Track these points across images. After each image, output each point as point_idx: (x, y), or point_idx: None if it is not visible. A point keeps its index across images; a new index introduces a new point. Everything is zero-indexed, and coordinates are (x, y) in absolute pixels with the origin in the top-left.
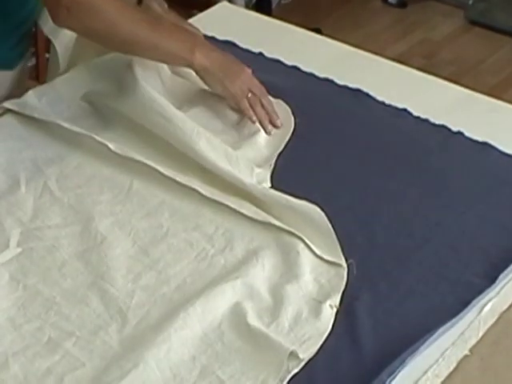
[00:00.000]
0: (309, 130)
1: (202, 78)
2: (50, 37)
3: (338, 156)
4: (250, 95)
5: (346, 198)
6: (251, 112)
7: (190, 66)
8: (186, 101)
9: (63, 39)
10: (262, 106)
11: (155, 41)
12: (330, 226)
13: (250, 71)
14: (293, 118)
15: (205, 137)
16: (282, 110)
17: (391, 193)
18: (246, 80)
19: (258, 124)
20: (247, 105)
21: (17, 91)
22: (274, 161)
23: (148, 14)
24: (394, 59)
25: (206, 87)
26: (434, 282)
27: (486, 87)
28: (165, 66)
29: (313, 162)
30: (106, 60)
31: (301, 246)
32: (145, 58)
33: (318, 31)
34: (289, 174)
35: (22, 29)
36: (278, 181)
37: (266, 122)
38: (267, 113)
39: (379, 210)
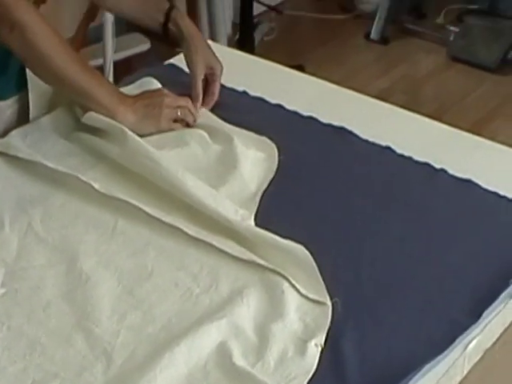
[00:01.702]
0: (293, 167)
1: (131, 130)
2: (28, 77)
3: (323, 194)
4: (179, 113)
5: (331, 236)
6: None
7: (114, 117)
8: (168, 141)
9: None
10: (191, 112)
11: (84, 84)
12: (314, 265)
13: (167, 99)
14: (277, 156)
15: (189, 176)
16: (266, 147)
17: (375, 230)
18: (168, 113)
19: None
20: (180, 127)
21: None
22: (258, 199)
23: (83, 59)
24: (376, 96)
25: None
26: (419, 319)
27: (468, 123)
28: None
29: (297, 199)
30: None
31: (285, 284)
32: (72, 99)
33: (300, 68)
34: (273, 211)
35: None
36: (263, 218)
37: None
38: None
39: (364, 246)
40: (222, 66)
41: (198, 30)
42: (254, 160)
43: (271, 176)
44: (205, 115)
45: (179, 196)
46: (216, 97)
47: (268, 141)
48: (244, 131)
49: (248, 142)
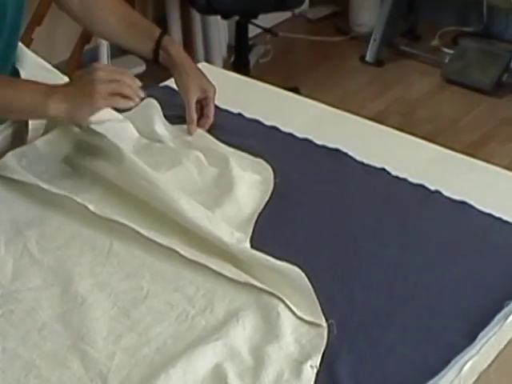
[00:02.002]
0: (288, 190)
1: (71, 121)
2: None
3: (318, 216)
4: (115, 85)
5: (326, 258)
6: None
7: (46, 114)
8: (164, 162)
9: None
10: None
11: (8, 99)
12: (310, 286)
13: (99, 73)
14: (273, 179)
15: (185, 198)
16: (262, 169)
17: (371, 252)
18: (102, 89)
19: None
20: (121, 104)
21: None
22: (254, 222)
23: (1, 76)
24: (371, 118)
25: (181, 147)
26: (413, 342)
27: (463, 145)
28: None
29: (292, 222)
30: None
31: (281, 306)
32: (6, 117)
33: (296, 90)
34: (268, 233)
35: None
36: (258, 241)
37: (135, 97)
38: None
39: (359, 269)
40: (215, 89)
41: (189, 56)
42: (250, 183)
43: (267, 199)
44: (200, 136)
45: (175, 218)
46: (211, 119)
47: (264, 163)
48: (240, 153)
49: (244, 164)
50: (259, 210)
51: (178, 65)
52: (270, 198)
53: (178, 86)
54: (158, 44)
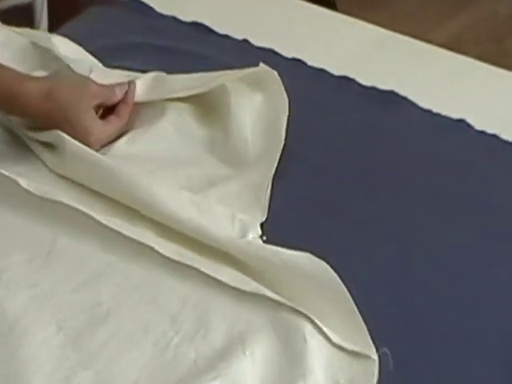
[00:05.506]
0: (316, 152)
1: None
2: None
3: (361, 189)
4: None
5: (371, 251)
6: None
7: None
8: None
9: None
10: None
11: None
12: (347, 293)
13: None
14: (287, 110)
15: (159, 183)
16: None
17: (435, 243)
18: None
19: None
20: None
21: None
22: (265, 194)
23: None
24: (442, 45)
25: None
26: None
27: None
28: None
29: (322, 197)
30: None
31: (308, 328)
32: None
33: (331, 5)
34: (288, 213)
35: None
36: (273, 224)
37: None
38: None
39: (418, 267)
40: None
41: None
42: (254, 128)
43: (280, 148)
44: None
45: (146, 210)
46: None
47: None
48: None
49: (245, 100)
50: (271, 175)
51: None
52: (289, 164)
53: None
54: None
